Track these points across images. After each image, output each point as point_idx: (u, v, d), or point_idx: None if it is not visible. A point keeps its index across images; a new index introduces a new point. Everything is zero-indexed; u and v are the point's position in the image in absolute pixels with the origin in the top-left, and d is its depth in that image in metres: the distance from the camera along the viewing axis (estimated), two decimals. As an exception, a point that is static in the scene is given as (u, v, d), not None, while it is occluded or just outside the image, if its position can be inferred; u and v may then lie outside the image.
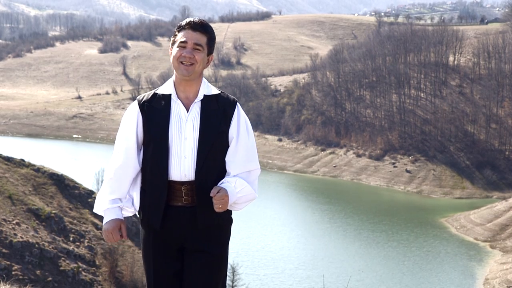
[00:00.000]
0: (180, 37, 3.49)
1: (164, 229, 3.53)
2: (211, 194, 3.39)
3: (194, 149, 3.48)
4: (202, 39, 3.49)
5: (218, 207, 3.39)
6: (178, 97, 3.54)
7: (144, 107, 3.55)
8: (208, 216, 3.51)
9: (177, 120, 3.50)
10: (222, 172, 3.57)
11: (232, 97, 3.64)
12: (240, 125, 3.58)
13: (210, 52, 3.55)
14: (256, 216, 53.45)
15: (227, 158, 3.56)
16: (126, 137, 3.58)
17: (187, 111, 3.52)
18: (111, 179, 3.62)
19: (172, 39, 3.57)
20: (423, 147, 78.18)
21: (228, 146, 3.57)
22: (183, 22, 3.52)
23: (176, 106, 3.52)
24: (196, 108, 3.53)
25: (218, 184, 3.47)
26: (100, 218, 32.00)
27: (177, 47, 3.49)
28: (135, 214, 3.79)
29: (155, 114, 3.52)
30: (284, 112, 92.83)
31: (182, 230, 3.52)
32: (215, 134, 3.51)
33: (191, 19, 3.53)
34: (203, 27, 3.50)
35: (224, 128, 3.54)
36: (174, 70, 3.54)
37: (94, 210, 3.74)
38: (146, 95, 3.63)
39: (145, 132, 3.54)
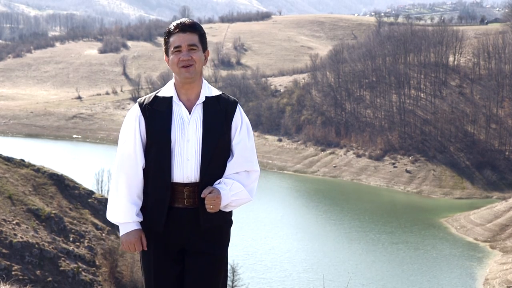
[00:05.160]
0: (173, 42, 3.48)
1: (165, 231, 3.52)
2: (202, 195, 3.42)
3: (197, 151, 3.48)
4: (194, 38, 3.48)
5: (209, 208, 3.42)
6: (179, 99, 3.54)
7: (146, 110, 3.54)
8: (211, 218, 3.51)
9: (179, 122, 3.49)
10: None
11: (232, 98, 3.65)
12: (241, 125, 3.60)
13: (204, 48, 3.55)
14: (260, 218, 53.51)
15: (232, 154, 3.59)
16: (131, 140, 3.54)
17: (189, 113, 3.52)
18: (125, 184, 3.53)
19: (164, 46, 3.56)
20: (423, 147, 78.17)
21: (230, 147, 3.58)
22: (171, 28, 3.50)
23: (178, 108, 3.52)
24: (198, 110, 3.53)
25: (215, 184, 3.49)
26: (100, 218, 31.98)
27: (173, 53, 3.48)
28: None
29: (157, 116, 3.51)
30: (284, 112, 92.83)
31: (183, 232, 3.52)
32: (218, 136, 3.51)
33: (177, 22, 3.51)
34: (191, 27, 3.48)
35: (226, 129, 3.54)
36: (175, 75, 3.54)
37: (110, 219, 3.63)
38: (147, 97, 3.62)
39: (147, 134, 3.53)
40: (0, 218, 26.88)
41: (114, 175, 3.60)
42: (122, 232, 3.58)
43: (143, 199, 3.59)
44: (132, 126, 3.55)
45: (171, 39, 3.49)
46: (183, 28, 3.47)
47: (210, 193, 3.42)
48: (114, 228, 31.68)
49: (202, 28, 3.56)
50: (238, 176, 3.55)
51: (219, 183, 3.49)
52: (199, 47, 3.50)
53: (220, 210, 3.53)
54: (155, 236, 3.55)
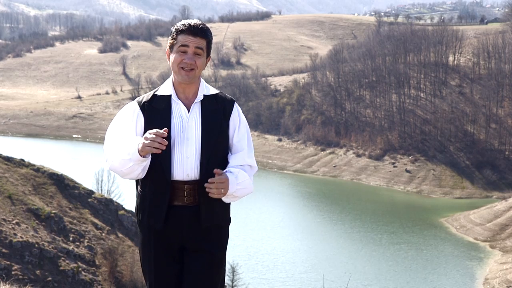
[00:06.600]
0: (180, 41, 3.45)
1: (165, 229, 3.51)
2: (210, 180, 3.36)
3: (197, 149, 3.48)
4: (202, 43, 3.47)
5: (220, 192, 3.36)
6: (178, 98, 3.53)
7: (145, 107, 3.53)
8: (211, 216, 3.51)
9: (178, 120, 3.49)
10: None
11: (229, 96, 3.65)
12: (239, 124, 3.60)
13: (208, 54, 3.55)
14: (261, 218, 53.55)
15: (233, 150, 3.59)
16: (127, 129, 3.49)
17: (188, 112, 3.52)
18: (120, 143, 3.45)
19: (170, 41, 3.52)
20: (423, 147, 78.18)
21: (228, 145, 3.58)
22: (182, 26, 3.46)
23: (177, 107, 3.51)
24: (196, 108, 3.53)
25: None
26: (100, 218, 32.00)
27: (178, 52, 3.46)
28: (135, 215, 3.76)
29: (156, 114, 3.50)
30: (284, 112, 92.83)
31: (183, 230, 3.51)
32: (217, 133, 3.51)
33: (190, 22, 3.47)
34: (202, 32, 3.46)
35: (225, 127, 3.55)
36: (174, 74, 3.54)
37: (111, 163, 3.45)
38: (145, 96, 3.60)
39: (145, 132, 3.50)
40: (0, 218, 26.88)
41: (105, 146, 3.51)
42: (137, 148, 3.33)
43: (142, 199, 3.57)
44: (130, 119, 3.52)
45: (180, 37, 3.46)
46: (194, 31, 3.44)
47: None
48: (114, 227, 31.70)
49: (211, 34, 3.54)
50: (243, 167, 3.56)
51: (225, 171, 3.47)
52: (204, 53, 3.49)
53: (220, 208, 3.54)
54: (156, 234, 3.54)
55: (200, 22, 3.50)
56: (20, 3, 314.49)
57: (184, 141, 3.47)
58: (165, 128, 3.32)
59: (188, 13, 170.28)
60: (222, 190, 3.37)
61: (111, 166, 3.50)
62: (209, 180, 3.37)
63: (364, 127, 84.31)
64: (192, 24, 3.45)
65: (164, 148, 3.29)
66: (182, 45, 3.45)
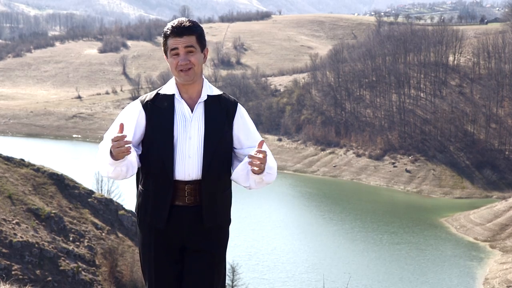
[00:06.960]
0: (170, 45, 3.42)
1: (166, 229, 3.50)
2: (257, 149, 3.32)
3: (199, 149, 3.46)
4: (191, 40, 3.42)
5: (258, 164, 3.30)
6: (181, 97, 3.52)
7: (148, 106, 3.51)
8: (214, 216, 3.50)
9: (182, 119, 3.47)
10: (226, 172, 3.55)
11: (233, 98, 3.63)
12: (247, 124, 3.60)
13: (203, 47, 3.50)
14: (261, 218, 53.53)
15: (246, 145, 3.55)
16: (125, 131, 3.41)
17: (191, 111, 3.50)
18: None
19: (163, 48, 3.51)
20: (423, 147, 78.17)
21: (231, 146, 3.56)
22: (167, 30, 3.43)
23: (180, 106, 3.50)
24: (200, 108, 3.51)
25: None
26: (100, 218, 32.00)
27: (171, 56, 3.44)
28: (135, 215, 3.75)
29: (159, 113, 3.48)
30: (284, 112, 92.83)
31: (183, 230, 3.50)
32: (220, 134, 3.49)
33: (173, 23, 3.43)
34: (188, 30, 3.41)
35: (228, 128, 3.53)
36: (175, 77, 3.52)
37: (102, 163, 3.41)
38: (148, 95, 3.59)
39: (146, 131, 3.49)
40: (0, 217, 26.88)
41: (100, 146, 3.46)
42: (108, 153, 3.31)
43: (144, 198, 3.55)
44: (130, 118, 3.49)
45: (169, 42, 3.43)
46: (179, 32, 3.40)
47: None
48: (114, 227, 31.70)
49: (199, 27, 3.48)
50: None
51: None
52: (197, 48, 3.45)
53: (221, 209, 3.54)
54: (156, 234, 3.53)
55: (184, 19, 3.45)
56: (20, 3, 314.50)
57: (186, 140, 3.46)
58: (120, 123, 3.28)
59: (188, 13, 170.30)
60: (262, 165, 3.32)
61: (102, 174, 3.51)
62: (257, 148, 3.33)
63: (364, 127, 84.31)
64: (175, 25, 3.41)
65: (131, 149, 3.25)
66: (172, 49, 3.42)
